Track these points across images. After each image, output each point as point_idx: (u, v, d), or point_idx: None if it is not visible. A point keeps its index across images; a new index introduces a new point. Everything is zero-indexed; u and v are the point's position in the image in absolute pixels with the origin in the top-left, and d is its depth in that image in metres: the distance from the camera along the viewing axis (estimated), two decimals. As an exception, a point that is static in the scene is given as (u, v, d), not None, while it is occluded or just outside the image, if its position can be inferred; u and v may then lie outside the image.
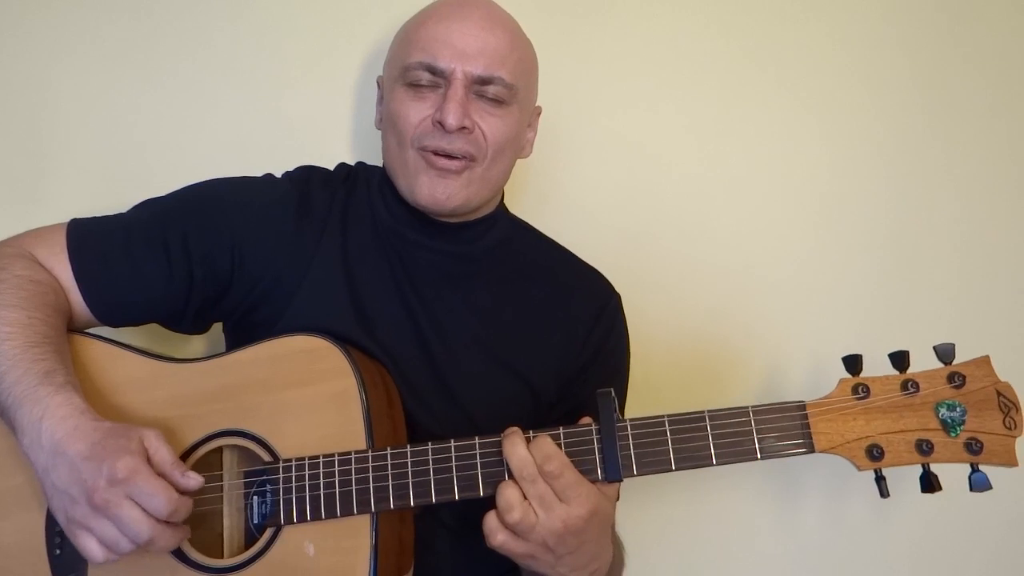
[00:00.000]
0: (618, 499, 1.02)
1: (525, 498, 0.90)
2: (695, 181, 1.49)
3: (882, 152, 1.53)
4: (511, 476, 0.91)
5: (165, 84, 1.35)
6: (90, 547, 0.87)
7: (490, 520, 0.91)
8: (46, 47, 1.32)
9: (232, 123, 1.36)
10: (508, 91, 1.10)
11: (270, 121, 1.36)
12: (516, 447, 0.90)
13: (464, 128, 1.07)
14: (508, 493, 0.89)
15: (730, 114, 1.49)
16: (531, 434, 0.93)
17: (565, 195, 1.43)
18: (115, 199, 1.13)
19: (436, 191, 1.09)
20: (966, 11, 1.56)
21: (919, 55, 1.54)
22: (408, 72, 1.09)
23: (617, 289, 1.23)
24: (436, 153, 1.08)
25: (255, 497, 1.00)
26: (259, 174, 1.16)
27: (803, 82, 1.51)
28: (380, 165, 1.21)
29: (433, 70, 1.08)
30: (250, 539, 1.00)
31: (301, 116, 1.37)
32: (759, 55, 1.50)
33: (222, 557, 0.99)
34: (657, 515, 1.41)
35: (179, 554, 0.97)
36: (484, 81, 1.08)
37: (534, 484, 0.89)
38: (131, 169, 1.33)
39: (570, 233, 1.27)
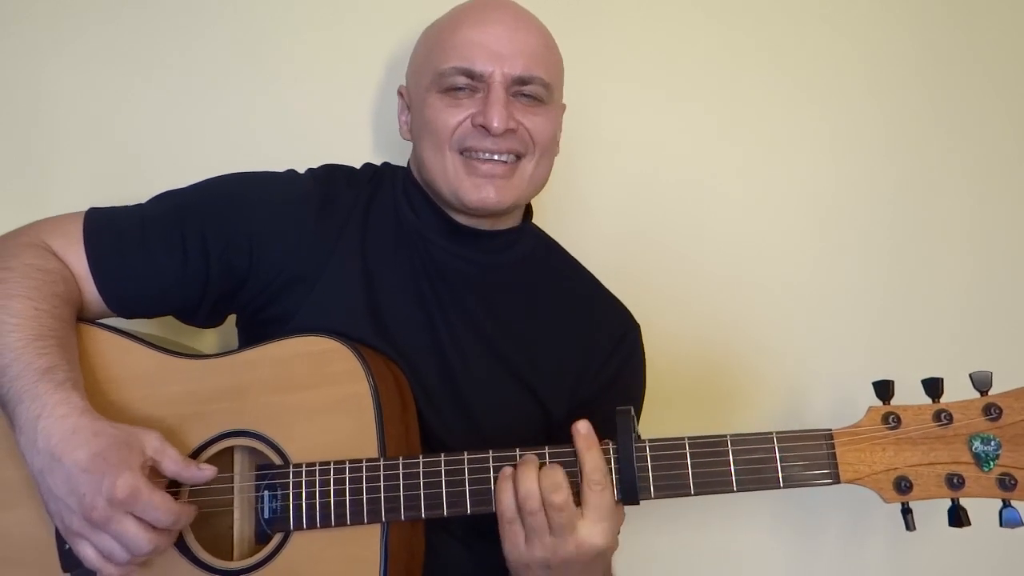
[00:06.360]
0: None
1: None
2: (710, 192, 1.45)
3: (891, 159, 1.48)
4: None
5: (174, 80, 1.31)
6: (88, 555, 0.87)
7: None
8: (47, 41, 1.28)
9: (242, 121, 1.32)
10: (546, 90, 1.09)
11: (283, 120, 1.33)
12: (526, 478, 0.89)
13: (509, 129, 1.05)
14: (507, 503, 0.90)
15: (742, 121, 1.45)
16: (547, 452, 0.92)
17: (576, 209, 1.39)
18: (122, 195, 1.10)
19: (486, 194, 1.07)
20: (974, 12, 1.51)
21: (925, 57, 1.50)
22: (443, 78, 1.07)
23: (625, 301, 1.20)
24: (479, 157, 1.06)
25: (265, 491, 0.98)
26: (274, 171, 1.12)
27: (819, 84, 1.47)
28: (403, 165, 1.18)
29: (471, 74, 1.06)
30: (260, 540, 0.99)
31: (319, 114, 1.33)
32: (769, 59, 1.46)
33: (232, 558, 0.98)
34: (661, 541, 1.38)
35: (189, 554, 0.96)
36: (523, 81, 1.07)
37: (531, 516, 0.89)
38: (140, 167, 1.29)
39: (580, 245, 1.24)
